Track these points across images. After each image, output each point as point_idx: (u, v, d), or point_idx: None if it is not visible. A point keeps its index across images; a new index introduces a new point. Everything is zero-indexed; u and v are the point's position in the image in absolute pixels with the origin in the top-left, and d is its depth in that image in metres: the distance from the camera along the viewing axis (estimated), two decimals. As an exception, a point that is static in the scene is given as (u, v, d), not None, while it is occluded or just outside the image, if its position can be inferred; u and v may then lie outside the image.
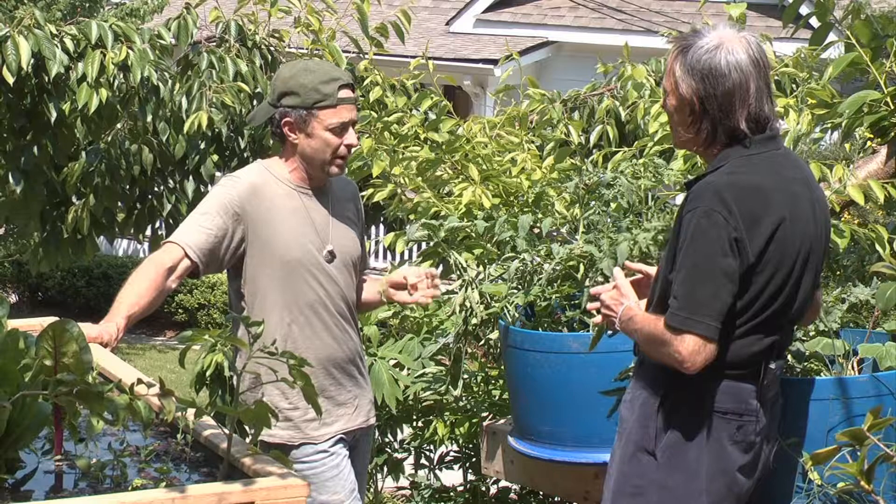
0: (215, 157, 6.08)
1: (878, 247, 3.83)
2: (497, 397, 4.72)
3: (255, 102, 5.94)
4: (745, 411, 2.85)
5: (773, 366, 2.86)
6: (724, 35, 2.85)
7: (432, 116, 5.37)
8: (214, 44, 6.12)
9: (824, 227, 2.96)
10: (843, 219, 4.31)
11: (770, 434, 2.95)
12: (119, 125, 5.99)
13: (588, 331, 3.56)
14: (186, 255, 3.44)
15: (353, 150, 3.62)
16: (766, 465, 2.96)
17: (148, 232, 6.47)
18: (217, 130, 5.88)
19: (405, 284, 3.72)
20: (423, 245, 6.24)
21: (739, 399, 2.85)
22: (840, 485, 2.83)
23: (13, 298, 15.13)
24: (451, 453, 5.04)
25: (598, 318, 3.08)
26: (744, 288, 2.79)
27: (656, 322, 2.83)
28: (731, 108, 2.82)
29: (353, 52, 6.28)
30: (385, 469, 5.13)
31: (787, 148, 3.03)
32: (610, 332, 3.10)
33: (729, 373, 2.83)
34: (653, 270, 3.09)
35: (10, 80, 5.47)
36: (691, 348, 2.75)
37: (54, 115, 5.68)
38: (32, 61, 5.50)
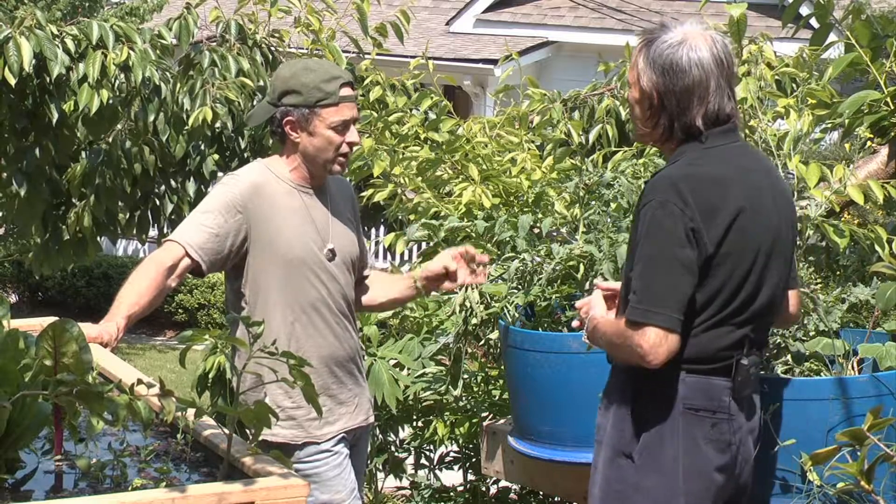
0: (216, 157, 6.09)
1: (877, 247, 3.83)
2: (497, 397, 4.72)
3: (257, 98, 5.94)
4: (717, 408, 2.82)
5: (745, 361, 2.83)
6: (688, 31, 2.84)
7: (432, 116, 5.37)
8: (215, 43, 6.12)
9: (788, 219, 2.94)
10: (843, 219, 4.31)
11: (749, 434, 2.91)
12: (119, 125, 5.99)
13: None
14: (187, 254, 3.44)
15: (354, 148, 3.62)
16: (744, 469, 2.92)
17: (152, 233, 6.47)
18: (218, 130, 5.88)
19: (445, 274, 3.70)
20: (423, 245, 6.24)
21: (711, 396, 2.82)
22: (840, 485, 2.83)
23: (13, 298, 15.13)
24: (451, 453, 5.04)
25: (584, 338, 3.06)
26: (705, 280, 2.77)
27: (618, 323, 2.83)
28: (688, 105, 2.82)
29: (353, 52, 6.28)
30: (385, 469, 5.13)
31: (745, 142, 3.02)
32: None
33: (698, 368, 2.81)
34: None
35: (13, 80, 5.47)
36: (652, 340, 2.73)
37: (56, 115, 5.68)
38: (34, 62, 5.50)
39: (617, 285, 3.02)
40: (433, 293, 3.86)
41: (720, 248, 2.77)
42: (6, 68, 5.45)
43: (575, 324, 3.08)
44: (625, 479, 2.88)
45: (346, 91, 3.54)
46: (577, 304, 3.07)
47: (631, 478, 2.86)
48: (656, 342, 2.73)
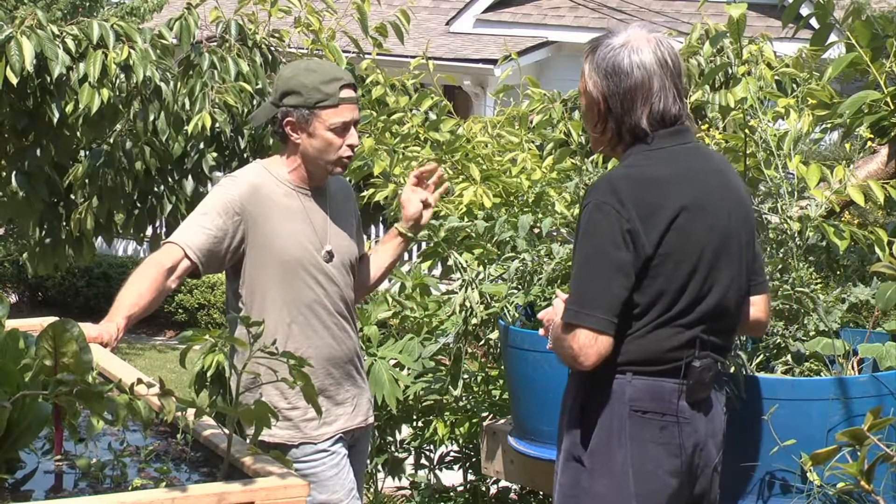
0: (214, 156, 6.09)
1: (877, 249, 3.82)
2: (497, 397, 4.72)
3: (256, 100, 5.94)
4: (666, 411, 2.80)
5: (696, 364, 2.80)
6: (632, 35, 2.87)
7: (432, 116, 5.36)
8: (215, 44, 6.12)
9: (742, 220, 2.91)
10: (843, 219, 4.30)
11: (710, 438, 2.88)
12: (119, 125, 5.99)
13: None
14: (186, 256, 3.44)
15: (355, 149, 3.62)
16: (703, 475, 2.89)
17: (148, 232, 6.47)
18: (219, 130, 5.89)
19: (420, 211, 3.74)
20: (423, 245, 6.23)
21: (659, 398, 2.80)
22: (840, 485, 2.83)
23: (13, 298, 15.13)
24: (451, 453, 5.04)
25: (549, 346, 3.06)
26: (647, 281, 2.76)
27: (559, 325, 2.83)
28: (632, 106, 2.83)
29: (353, 52, 6.29)
30: (385, 469, 5.13)
31: (698, 142, 3.01)
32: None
33: (646, 369, 2.80)
34: None
35: (14, 80, 5.47)
36: (582, 342, 2.74)
37: (56, 115, 5.68)
38: (35, 62, 5.50)
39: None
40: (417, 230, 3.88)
41: (659, 248, 2.76)
42: (8, 68, 5.45)
43: (541, 332, 3.07)
44: (577, 483, 2.86)
45: (347, 93, 3.54)
46: (540, 314, 3.05)
47: (583, 482, 2.85)
48: (586, 343, 2.74)
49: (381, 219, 6.28)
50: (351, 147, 3.56)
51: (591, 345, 2.74)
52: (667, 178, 2.81)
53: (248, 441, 2.87)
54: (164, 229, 6.41)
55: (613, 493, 2.82)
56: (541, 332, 3.07)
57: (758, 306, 3.04)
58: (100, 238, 6.42)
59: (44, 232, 6.30)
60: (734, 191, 2.93)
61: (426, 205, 3.75)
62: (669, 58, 2.85)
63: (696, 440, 2.84)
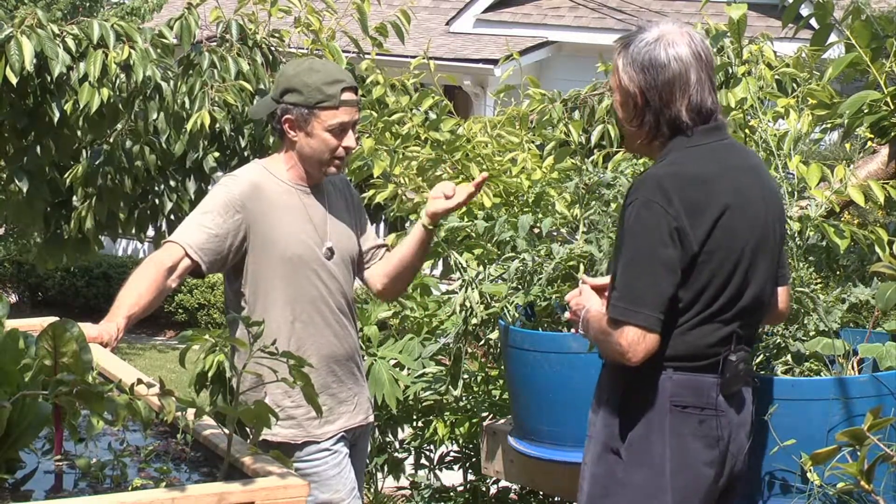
0: (216, 155, 6.09)
1: (877, 249, 3.83)
2: (497, 397, 4.72)
3: (256, 100, 5.94)
4: (705, 405, 2.84)
5: (733, 358, 2.85)
6: (664, 29, 2.89)
7: (433, 116, 5.36)
8: (216, 43, 6.11)
9: (777, 216, 2.96)
10: (843, 219, 4.30)
11: (741, 428, 2.92)
12: (119, 125, 5.99)
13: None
14: (187, 255, 3.45)
15: (350, 151, 3.62)
16: (736, 462, 2.93)
17: (150, 231, 6.47)
18: (219, 129, 5.88)
19: (447, 208, 3.62)
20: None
21: (699, 392, 2.84)
22: (840, 485, 2.83)
23: (13, 298, 15.13)
24: (451, 453, 5.04)
25: (578, 329, 3.07)
26: (691, 278, 2.79)
27: (603, 317, 2.85)
28: (671, 98, 2.84)
29: (353, 52, 6.29)
30: (385, 469, 5.13)
31: (733, 139, 3.03)
32: (574, 332, 3.09)
33: (687, 365, 2.83)
34: None
35: (14, 80, 5.46)
36: (631, 339, 2.76)
37: (57, 115, 5.67)
38: (35, 61, 5.49)
39: (602, 281, 3.04)
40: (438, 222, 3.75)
41: (705, 246, 2.79)
42: (7, 67, 5.45)
43: (566, 315, 3.09)
44: (612, 474, 2.89)
45: (348, 95, 3.54)
46: (567, 296, 3.09)
47: (618, 473, 2.88)
48: (634, 340, 2.76)
49: (381, 219, 6.27)
50: (346, 149, 3.57)
51: (639, 342, 2.76)
52: (710, 176, 2.83)
53: (250, 441, 2.87)
54: (166, 228, 6.39)
55: (649, 484, 2.85)
56: (567, 315, 3.08)
57: (782, 297, 3.09)
58: (104, 235, 6.42)
59: (49, 233, 6.31)
60: (769, 187, 2.97)
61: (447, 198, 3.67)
62: (703, 51, 2.88)
63: (730, 430, 2.89)
